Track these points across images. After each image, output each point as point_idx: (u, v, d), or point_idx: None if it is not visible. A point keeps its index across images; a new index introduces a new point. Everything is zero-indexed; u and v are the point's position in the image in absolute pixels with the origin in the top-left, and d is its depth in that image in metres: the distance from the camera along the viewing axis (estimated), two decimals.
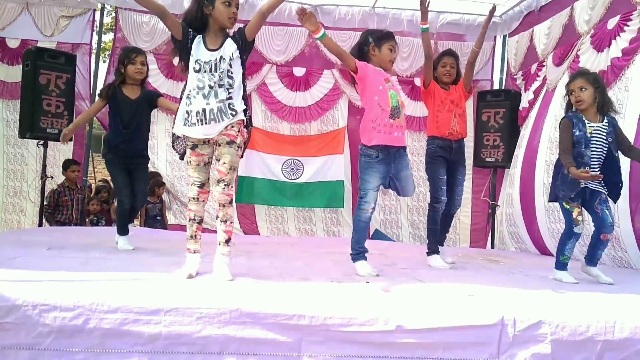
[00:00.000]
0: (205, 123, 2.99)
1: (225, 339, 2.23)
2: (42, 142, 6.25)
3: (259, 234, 7.14)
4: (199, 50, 3.03)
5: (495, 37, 7.27)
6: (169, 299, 2.28)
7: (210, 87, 2.98)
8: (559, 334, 2.34)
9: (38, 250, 3.75)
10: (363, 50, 3.61)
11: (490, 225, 6.89)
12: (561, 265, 3.58)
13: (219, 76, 2.99)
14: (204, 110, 2.98)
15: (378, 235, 6.99)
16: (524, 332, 2.33)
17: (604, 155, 3.50)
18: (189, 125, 3.02)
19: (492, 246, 6.75)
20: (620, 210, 4.29)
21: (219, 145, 3.05)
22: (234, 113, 3.02)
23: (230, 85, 3.01)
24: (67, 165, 6.61)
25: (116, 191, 4.30)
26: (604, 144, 3.49)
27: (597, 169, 3.46)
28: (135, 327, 2.20)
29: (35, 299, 2.19)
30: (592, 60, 4.99)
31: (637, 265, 4.37)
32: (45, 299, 2.19)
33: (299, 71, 7.24)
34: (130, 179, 4.29)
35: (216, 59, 3.00)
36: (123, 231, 4.28)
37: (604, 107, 3.53)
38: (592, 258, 3.62)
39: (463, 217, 7.23)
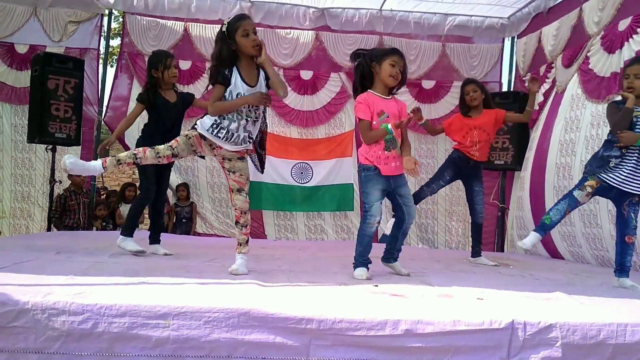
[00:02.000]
0: (228, 142, 3.29)
1: (233, 343, 2.22)
2: (50, 146, 6.28)
3: (266, 237, 7.13)
4: (237, 82, 3.24)
5: (503, 38, 7.25)
6: (177, 303, 2.27)
7: (247, 120, 3.28)
8: (569, 338, 2.32)
9: (47, 254, 3.76)
10: (365, 71, 3.53)
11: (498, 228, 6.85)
12: (540, 226, 3.54)
13: (255, 113, 3.31)
14: (232, 133, 3.27)
15: (386, 239, 6.96)
16: (535, 336, 2.31)
17: None
18: (213, 134, 3.28)
19: (502, 249, 6.72)
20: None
21: (230, 160, 3.37)
22: (250, 141, 3.37)
23: (257, 118, 3.34)
24: None
25: (143, 186, 4.23)
26: None
27: (637, 155, 3.35)
28: (143, 331, 2.20)
29: (44, 302, 2.19)
30: (603, 62, 4.96)
31: None
32: (54, 303, 2.19)
33: (306, 74, 7.24)
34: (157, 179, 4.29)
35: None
36: (131, 232, 4.18)
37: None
38: (621, 267, 3.48)
39: None
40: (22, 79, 6.78)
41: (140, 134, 4.38)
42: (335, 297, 2.66)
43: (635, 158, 3.36)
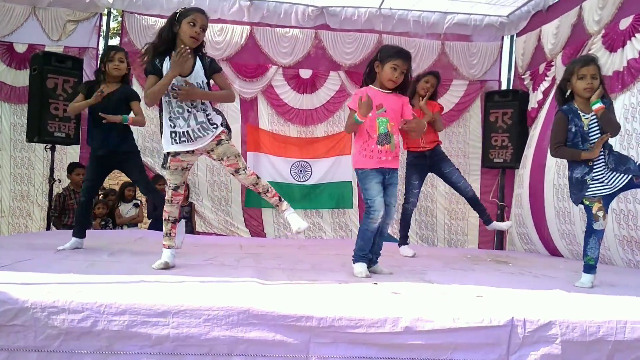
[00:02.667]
0: (192, 141, 3.30)
1: (233, 341, 2.23)
2: (49, 145, 6.27)
3: (266, 236, 7.13)
4: (168, 73, 3.20)
5: (502, 37, 7.24)
6: (176, 301, 2.27)
7: (189, 111, 3.28)
8: (569, 335, 2.32)
9: (46, 253, 3.76)
10: (372, 66, 3.56)
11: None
12: (586, 267, 3.33)
13: (192, 103, 3.28)
14: (187, 133, 3.28)
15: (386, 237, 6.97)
16: (534, 333, 2.31)
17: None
18: (178, 143, 3.30)
19: (501, 247, 6.72)
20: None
21: (211, 151, 3.35)
22: (215, 126, 3.34)
23: (204, 107, 3.32)
24: (71, 168, 6.63)
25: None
26: (599, 131, 3.32)
27: (604, 158, 3.30)
28: (143, 329, 2.20)
29: (43, 301, 2.19)
30: (605, 61, 4.92)
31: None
32: (54, 301, 2.20)
33: (305, 73, 7.24)
34: (102, 174, 4.37)
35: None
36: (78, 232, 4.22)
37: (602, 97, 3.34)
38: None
39: (471, 218, 7.19)
40: (21, 78, 6.77)
41: None
42: (335, 295, 2.67)
43: (602, 162, 3.31)
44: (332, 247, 5.54)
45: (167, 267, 3.29)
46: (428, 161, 4.90)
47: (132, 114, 4.24)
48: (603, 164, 3.31)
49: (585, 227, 3.41)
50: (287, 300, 2.40)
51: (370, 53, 7.04)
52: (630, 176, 3.28)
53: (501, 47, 7.30)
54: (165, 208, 3.44)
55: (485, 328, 2.30)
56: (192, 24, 3.23)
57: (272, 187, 3.46)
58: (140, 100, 4.34)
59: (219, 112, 3.45)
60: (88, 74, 6.80)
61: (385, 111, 3.47)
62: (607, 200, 3.34)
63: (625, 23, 4.79)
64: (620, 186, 3.31)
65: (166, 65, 3.24)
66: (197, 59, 3.33)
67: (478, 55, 7.22)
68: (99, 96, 4.10)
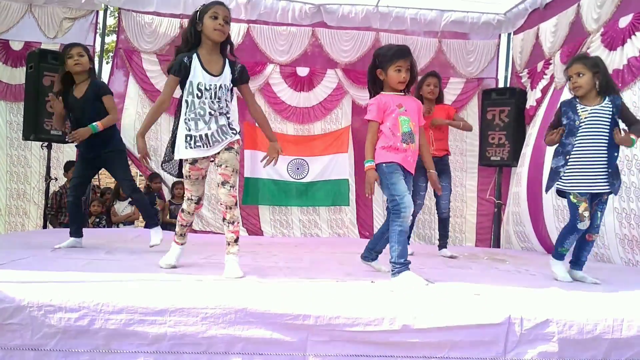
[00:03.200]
0: (209, 146, 3.16)
1: (230, 339, 2.22)
2: (46, 144, 6.26)
3: (263, 234, 7.13)
4: (197, 72, 3.12)
5: (500, 35, 7.25)
6: (174, 300, 2.27)
7: (211, 114, 3.14)
8: (566, 333, 2.32)
9: (43, 252, 3.75)
10: (374, 74, 3.42)
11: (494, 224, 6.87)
12: (559, 254, 3.50)
13: (219, 105, 3.15)
14: (206, 136, 3.14)
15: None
16: (531, 331, 2.32)
17: (606, 136, 3.33)
18: (194, 148, 3.14)
19: (498, 245, 6.73)
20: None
21: (217, 153, 3.18)
22: (234, 132, 3.22)
23: (227, 111, 3.22)
24: (68, 167, 6.62)
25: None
26: (603, 126, 3.33)
27: (595, 155, 3.32)
28: (140, 328, 2.20)
29: (40, 300, 2.19)
30: (604, 59, 4.87)
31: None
32: (51, 299, 2.19)
33: (302, 71, 7.23)
34: (89, 173, 4.40)
35: (216, 86, 3.14)
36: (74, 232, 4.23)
37: (608, 91, 3.38)
38: (577, 261, 3.52)
39: (469, 216, 7.21)
40: (17, 75, 6.75)
41: None
42: (332, 293, 2.67)
43: (592, 159, 3.33)
44: (330, 245, 5.55)
45: (174, 267, 3.30)
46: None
47: (99, 121, 4.11)
48: (584, 161, 3.34)
49: (568, 223, 3.44)
50: (284, 298, 2.40)
51: (367, 51, 7.05)
52: (608, 190, 3.36)
53: (498, 45, 7.31)
54: (183, 216, 3.37)
55: (483, 326, 2.31)
56: (213, 17, 3.11)
57: (238, 224, 3.23)
58: (111, 94, 4.28)
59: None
60: None
61: (406, 110, 3.34)
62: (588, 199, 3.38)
63: (624, 21, 4.78)
64: (594, 192, 3.36)
65: (194, 64, 3.10)
66: (227, 61, 3.21)
67: (475, 53, 7.22)
68: (53, 101, 4.15)
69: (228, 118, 3.21)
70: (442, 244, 5.04)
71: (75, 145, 4.43)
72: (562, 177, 3.41)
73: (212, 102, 3.12)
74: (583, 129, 3.36)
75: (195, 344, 2.21)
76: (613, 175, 3.34)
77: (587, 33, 5.32)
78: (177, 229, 3.43)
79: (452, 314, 2.33)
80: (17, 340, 2.16)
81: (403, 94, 3.42)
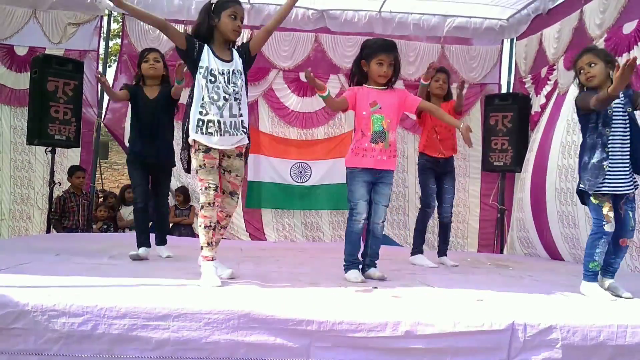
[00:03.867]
0: (220, 135, 3.06)
1: (233, 345, 2.22)
2: (49, 148, 6.28)
3: (266, 240, 7.13)
4: (210, 59, 3.08)
5: (502, 40, 7.25)
6: (177, 305, 2.27)
7: (225, 99, 3.06)
8: (570, 339, 2.32)
9: (46, 256, 3.76)
10: (359, 65, 3.56)
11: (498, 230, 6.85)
12: (591, 275, 3.09)
13: (234, 89, 3.08)
14: (219, 122, 3.05)
15: (385, 240, 6.96)
16: (535, 337, 2.31)
17: (628, 130, 3.10)
18: (204, 134, 3.05)
19: (501, 251, 6.72)
20: None
21: (229, 157, 3.16)
22: (245, 130, 3.15)
23: (241, 98, 3.13)
24: (72, 171, 6.64)
25: (133, 193, 4.29)
26: (624, 119, 3.10)
27: (621, 149, 3.08)
28: (143, 333, 2.20)
29: (44, 304, 2.19)
30: None
31: None
32: (54, 304, 2.19)
33: None
34: (152, 182, 4.28)
35: (229, 71, 3.10)
36: (143, 240, 4.12)
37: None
38: (608, 267, 3.21)
39: (472, 222, 7.20)
40: (21, 80, 6.78)
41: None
42: (335, 299, 2.67)
43: (619, 154, 3.09)
44: (333, 250, 5.52)
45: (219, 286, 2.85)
46: (440, 168, 4.74)
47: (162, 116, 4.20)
48: (620, 155, 3.09)
49: (590, 230, 3.19)
50: (287, 304, 2.40)
51: None
52: (628, 194, 3.12)
53: (501, 51, 7.30)
54: (204, 213, 3.06)
55: (486, 332, 2.30)
56: (233, 16, 3.08)
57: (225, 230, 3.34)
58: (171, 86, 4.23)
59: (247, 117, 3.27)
60: (89, 77, 6.81)
61: (381, 108, 3.45)
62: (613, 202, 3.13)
63: (629, 27, 4.74)
64: (619, 193, 3.11)
65: (205, 52, 3.06)
66: (233, 50, 3.18)
67: (478, 59, 7.22)
68: (100, 79, 4.21)
69: (240, 108, 3.12)
70: (443, 251, 4.82)
71: (130, 149, 4.40)
72: (607, 173, 3.07)
73: (227, 86, 3.07)
74: (614, 119, 3.08)
75: (198, 349, 2.21)
76: (632, 174, 3.12)
77: (590, 39, 5.30)
78: (201, 238, 3.08)
79: (455, 320, 2.32)
80: (20, 345, 2.17)
81: (385, 88, 3.52)
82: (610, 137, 3.08)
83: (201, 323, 2.22)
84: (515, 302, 2.77)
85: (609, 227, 3.06)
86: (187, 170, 3.38)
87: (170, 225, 7.31)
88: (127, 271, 3.25)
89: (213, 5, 3.11)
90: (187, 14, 6.82)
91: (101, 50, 7.26)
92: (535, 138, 6.14)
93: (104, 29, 7.26)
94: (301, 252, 5.29)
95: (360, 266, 3.53)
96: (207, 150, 3.07)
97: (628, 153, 3.11)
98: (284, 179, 7.23)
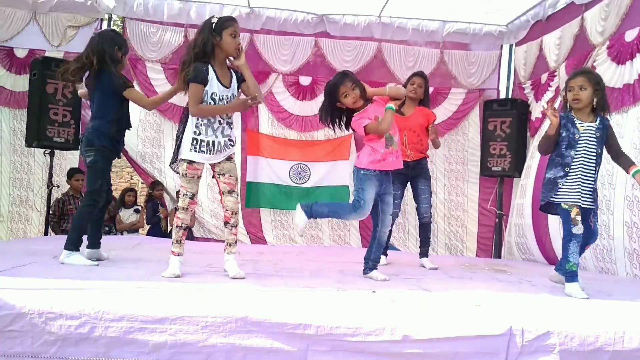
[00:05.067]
0: (212, 154, 3.34)
1: (230, 348, 2.22)
2: (48, 150, 6.28)
3: (265, 241, 7.13)
4: (213, 83, 3.29)
5: (501, 46, 7.26)
6: (174, 308, 2.27)
7: (220, 122, 3.34)
8: (567, 345, 2.32)
9: (44, 258, 3.75)
10: (334, 107, 3.84)
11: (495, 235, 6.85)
12: (571, 275, 3.34)
13: (227, 114, 3.38)
14: (212, 143, 3.32)
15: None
16: (532, 342, 2.31)
17: (596, 155, 3.41)
18: (197, 152, 3.32)
19: (499, 256, 6.71)
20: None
21: (218, 163, 3.43)
22: (232, 144, 3.44)
23: (232, 121, 3.44)
24: (71, 174, 6.63)
25: (96, 191, 3.76)
26: (593, 145, 3.40)
27: (587, 170, 3.38)
28: (140, 336, 2.20)
29: (41, 307, 2.19)
30: (612, 72, 4.85)
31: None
32: (51, 307, 2.19)
33: (305, 80, 7.25)
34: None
35: (228, 96, 3.34)
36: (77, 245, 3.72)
37: (602, 110, 3.46)
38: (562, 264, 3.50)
39: (470, 226, 7.20)
40: (21, 83, 6.78)
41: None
42: (333, 303, 2.66)
43: (580, 174, 3.39)
44: (331, 254, 5.54)
45: (179, 276, 3.24)
46: (411, 172, 4.70)
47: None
48: (581, 175, 3.38)
49: (564, 233, 3.42)
50: (285, 307, 2.40)
51: (369, 60, 7.12)
52: (593, 210, 3.45)
53: (500, 56, 7.31)
54: (178, 214, 3.42)
55: (483, 337, 2.30)
56: (233, 35, 3.28)
57: (237, 228, 3.51)
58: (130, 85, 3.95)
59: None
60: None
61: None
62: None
63: (631, 35, 4.72)
64: (584, 207, 3.39)
65: (210, 75, 3.26)
66: (232, 72, 3.40)
67: (477, 64, 7.23)
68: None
69: (231, 129, 3.42)
70: (423, 252, 4.81)
71: (114, 148, 3.94)
72: (562, 190, 3.42)
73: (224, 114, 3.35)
74: (581, 143, 3.40)
75: (195, 352, 2.21)
76: (595, 192, 3.44)
77: (592, 46, 5.27)
78: (173, 235, 3.44)
79: (453, 324, 2.33)
80: (17, 347, 2.16)
81: (370, 103, 3.73)
82: (575, 158, 3.40)
83: (198, 326, 2.22)
84: (513, 307, 2.77)
85: (576, 230, 3.33)
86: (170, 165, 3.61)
87: (170, 228, 7.35)
88: (124, 274, 3.25)
89: (214, 24, 3.27)
90: (187, 18, 6.84)
91: None
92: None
93: None
94: (299, 255, 5.29)
95: (362, 268, 3.78)
96: (192, 162, 3.34)
97: (592, 173, 3.40)
98: (283, 180, 7.25)
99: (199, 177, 3.44)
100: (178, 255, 3.39)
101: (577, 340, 2.32)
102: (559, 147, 3.46)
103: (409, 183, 4.85)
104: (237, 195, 3.44)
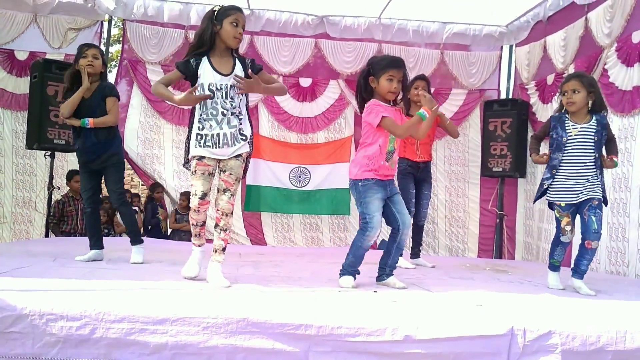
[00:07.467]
0: (219, 147, 3.17)
1: (232, 349, 2.22)
2: (49, 152, 6.28)
3: (266, 243, 7.12)
4: (207, 73, 3.15)
5: (502, 46, 7.27)
6: (175, 309, 2.26)
7: (223, 114, 3.16)
8: (569, 344, 2.32)
9: (44, 260, 3.75)
10: (367, 81, 3.42)
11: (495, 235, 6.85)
12: (552, 265, 3.70)
13: (231, 104, 3.16)
14: (217, 135, 3.15)
15: (383, 245, 6.95)
16: (534, 342, 2.31)
17: (594, 153, 3.48)
18: (203, 147, 3.18)
19: (501, 256, 6.71)
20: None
21: (226, 160, 3.21)
22: (244, 138, 3.23)
23: (240, 112, 3.21)
24: (70, 175, 6.63)
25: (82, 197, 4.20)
26: (590, 144, 3.48)
27: (580, 169, 3.48)
28: (141, 337, 2.19)
29: (41, 308, 2.19)
30: (624, 75, 4.80)
31: None
32: (52, 308, 2.19)
33: (305, 82, 7.25)
34: (98, 181, 4.16)
35: (227, 86, 3.16)
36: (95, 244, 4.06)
37: (601, 110, 3.55)
38: (576, 269, 3.54)
39: (472, 227, 7.19)
40: (22, 85, 6.78)
41: None
42: (335, 303, 2.66)
43: (567, 174, 3.52)
44: (332, 255, 5.52)
45: (195, 277, 3.26)
46: (419, 174, 4.85)
47: (93, 118, 3.97)
48: (565, 176, 3.53)
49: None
50: (286, 308, 2.40)
51: None
52: (591, 201, 3.48)
53: (500, 57, 7.32)
54: (191, 215, 3.29)
55: (485, 337, 2.30)
56: (234, 24, 3.14)
57: (230, 232, 3.32)
58: (117, 97, 4.11)
59: (250, 123, 3.32)
60: None
61: None
62: (572, 213, 3.57)
63: (638, 36, 4.67)
64: (580, 201, 3.50)
65: (203, 66, 3.14)
66: (236, 59, 3.24)
67: (477, 65, 7.24)
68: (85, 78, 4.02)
69: (240, 121, 3.21)
70: (416, 252, 5.03)
71: (77, 155, 4.20)
72: (550, 190, 3.60)
73: (224, 101, 3.15)
74: (572, 146, 3.51)
75: (196, 353, 2.21)
76: (592, 184, 3.49)
77: (599, 47, 5.19)
78: (192, 231, 3.40)
79: (455, 324, 2.32)
80: (18, 349, 2.16)
81: (391, 105, 3.44)
82: (563, 160, 3.53)
83: (199, 327, 2.22)
84: (514, 307, 2.77)
85: (564, 239, 3.58)
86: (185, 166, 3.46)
87: (170, 230, 7.35)
88: (124, 275, 3.25)
89: (215, 12, 3.16)
90: (187, 19, 6.84)
91: None
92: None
93: (105, 34, 7.27)
94: (300, 256, 5.29)
95: (377, 275, 3.50)
96: (201, 157, 3.19)
97: (592, 171, 3.48)
98: (283, 183, 7.23)
99: (211, 174, 3.23)
100: (199, 246, 3.37)
101: (579, 340, 2.32)
102: (551, 150, 3.62)
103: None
104: (232, 195, 3.19)
